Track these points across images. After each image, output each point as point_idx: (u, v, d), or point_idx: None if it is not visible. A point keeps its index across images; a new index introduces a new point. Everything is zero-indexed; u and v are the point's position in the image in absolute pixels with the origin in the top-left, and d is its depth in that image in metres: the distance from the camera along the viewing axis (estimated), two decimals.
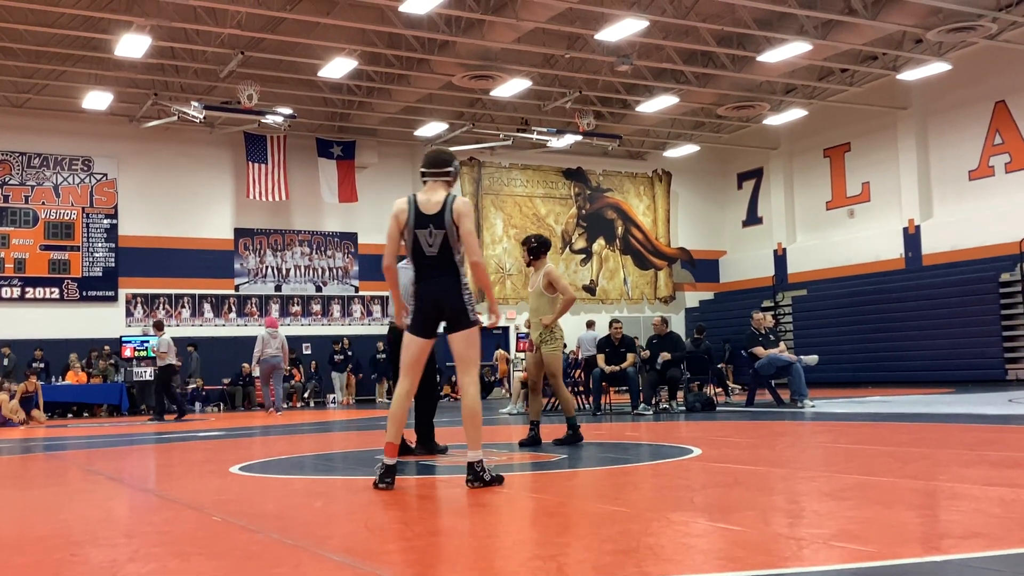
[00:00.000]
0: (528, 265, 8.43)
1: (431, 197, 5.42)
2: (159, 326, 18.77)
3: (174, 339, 23.13)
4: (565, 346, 9.07)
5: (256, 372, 19.61)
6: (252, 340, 24.42)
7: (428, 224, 5.34)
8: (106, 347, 21.88)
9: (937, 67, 21.80)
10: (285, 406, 19.18)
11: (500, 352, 26.58)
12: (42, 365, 20.88)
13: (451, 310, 5.41)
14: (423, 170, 5.57)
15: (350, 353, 25.01)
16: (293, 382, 24.45)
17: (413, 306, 5.50)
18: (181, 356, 22.85)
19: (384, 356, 25.69)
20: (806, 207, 28.57)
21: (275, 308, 25.57)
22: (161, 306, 24.19)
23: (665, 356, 14.17)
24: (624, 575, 3.04)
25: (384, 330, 26.41)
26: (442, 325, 5.57)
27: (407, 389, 5.53)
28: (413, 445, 7.88)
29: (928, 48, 21.27)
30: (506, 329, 27.01)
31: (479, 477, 5.34)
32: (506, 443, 8.91)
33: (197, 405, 22.62)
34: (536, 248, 8.22)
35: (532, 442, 8.14)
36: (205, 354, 23.62)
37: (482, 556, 3.55)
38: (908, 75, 22.44)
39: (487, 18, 18.41)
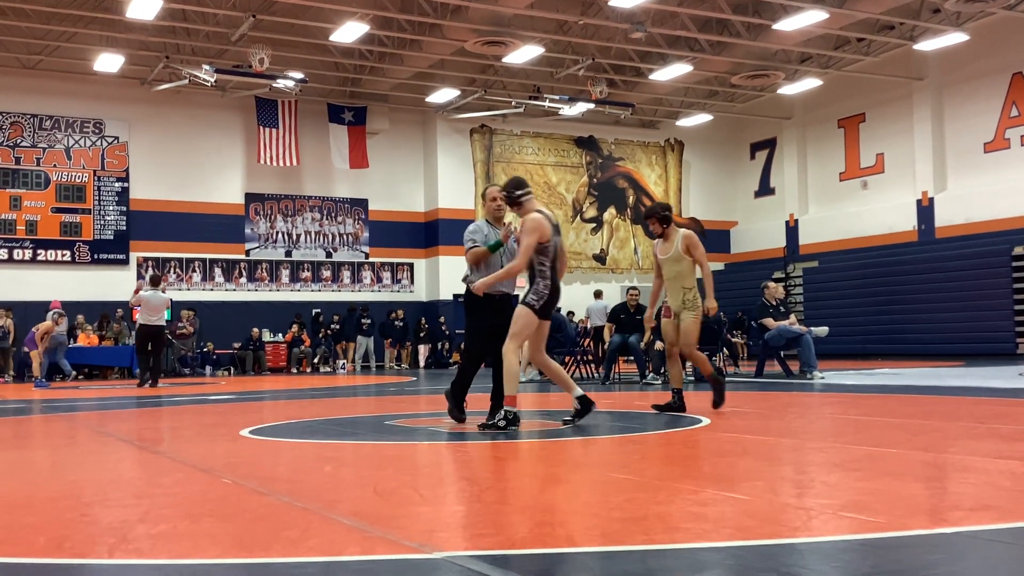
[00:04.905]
0: (659, 236, 8.38)
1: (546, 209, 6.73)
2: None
3: (184, 303, 23.38)
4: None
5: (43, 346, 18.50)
6: (263, 305, 24.75)
7: (560, 232, 6.61)
8: (119, 310, 21.98)
9: (954, 37, 21.54)
10: (46, 383, 17.81)
11: None
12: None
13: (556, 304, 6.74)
14: (525, 191, 6.74)
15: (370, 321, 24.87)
16: (303, 347, 24.51)
17: (545, 294, 6.52)
18: (196, 322, 23.03)
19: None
20: (819, 178, 28.39)
21: (285, 273, 25.63)
22: (172, 270, 24.26)
23: None
24: (632, 543, 3.04)
25: (394, 297, 26.49)
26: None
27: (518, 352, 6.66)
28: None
29: (946, 18, 21.02)
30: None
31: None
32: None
33: (208, 368, 22.75)
34: (667, 216, 8.33)
35: (674, 408, 8.18)
36: (215, 318, 23.76)
37: (490, 522, 3.56)
38: (925, 45, 22.19)
39: None
